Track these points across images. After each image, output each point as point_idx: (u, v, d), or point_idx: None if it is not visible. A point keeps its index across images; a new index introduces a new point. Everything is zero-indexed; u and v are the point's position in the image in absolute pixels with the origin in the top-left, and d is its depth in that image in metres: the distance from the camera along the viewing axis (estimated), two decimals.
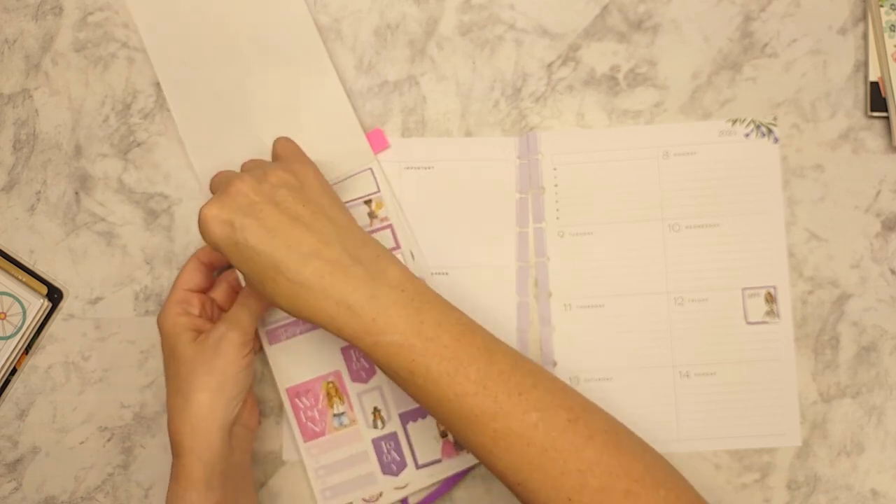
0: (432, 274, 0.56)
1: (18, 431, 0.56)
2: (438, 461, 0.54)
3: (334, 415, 0.54)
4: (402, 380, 0.44)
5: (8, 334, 0.56)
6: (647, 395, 0.55)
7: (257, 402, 0.54)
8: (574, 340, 0.55)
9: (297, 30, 0.55)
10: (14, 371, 0.56)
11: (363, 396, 0.54)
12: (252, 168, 0.49)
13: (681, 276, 0.56)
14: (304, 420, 0.54)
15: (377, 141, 0.57)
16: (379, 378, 0.54)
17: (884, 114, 0.57)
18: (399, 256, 0.55)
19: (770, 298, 0.56)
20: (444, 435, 0.54)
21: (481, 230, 0.56)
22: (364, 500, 0.54)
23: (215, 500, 0.47)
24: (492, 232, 0.56)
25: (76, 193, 0.57)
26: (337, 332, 0.44)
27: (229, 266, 0.54)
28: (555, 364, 0.55)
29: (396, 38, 0.58)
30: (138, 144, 0.57)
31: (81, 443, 0.56)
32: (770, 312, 0.56)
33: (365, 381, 0.54)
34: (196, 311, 0.51)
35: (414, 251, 0.56)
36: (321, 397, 0.54)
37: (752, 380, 0.55)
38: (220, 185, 0.48)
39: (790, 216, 0.56)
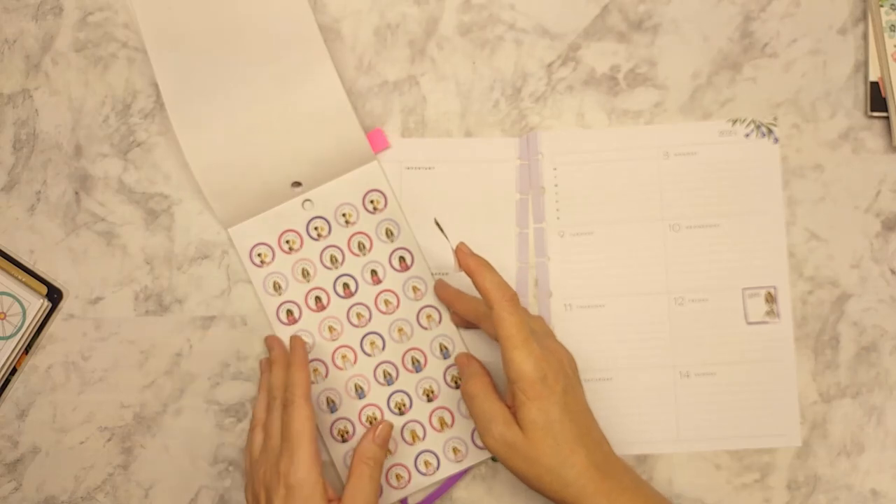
0: (433, 274, 0.56)
1: (18, 431, 0.56)
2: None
3: None
4: None
5: (8, 334, 0.55)
6: (647, 395, 0.55)
7: None
8: (574, 340, 0.55)
9: (297, 30, 0.55)
10: (14, 371, 0.56)
11: None
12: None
13: (681, 276, 0.56)
14: None
15: (377, 141, 0.57)
16: None
17: (884, 114, 0.57)
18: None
19: (770, 298, 0.56)
20: None
21: (482, 231, 0.56)
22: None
23: None
24: (492, 232, 0.56)
25: (76, 193, 0.57)
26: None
27: None
28: None
29: (396, 38, 0.58)
30: (138, 144, 0.57)
31: (81, 443, 0.56)
32: (770, 312, 0.56)
33: None
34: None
35: (414, 251, 0.56)
36: None
37: (752, 380, 0.55)
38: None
39: (790, 216, 0.56)
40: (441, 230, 0.51)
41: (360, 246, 0.56)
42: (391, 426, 0.53)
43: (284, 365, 0.53)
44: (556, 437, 0.47)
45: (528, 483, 0.48)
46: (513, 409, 0.48)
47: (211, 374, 0.56)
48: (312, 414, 0.49)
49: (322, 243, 0.56)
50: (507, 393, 0.50)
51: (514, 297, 0.48)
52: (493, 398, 0.49)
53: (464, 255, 0.49)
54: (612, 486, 0.47)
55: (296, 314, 0.55)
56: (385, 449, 0.52)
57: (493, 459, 0.55)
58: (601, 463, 0.48)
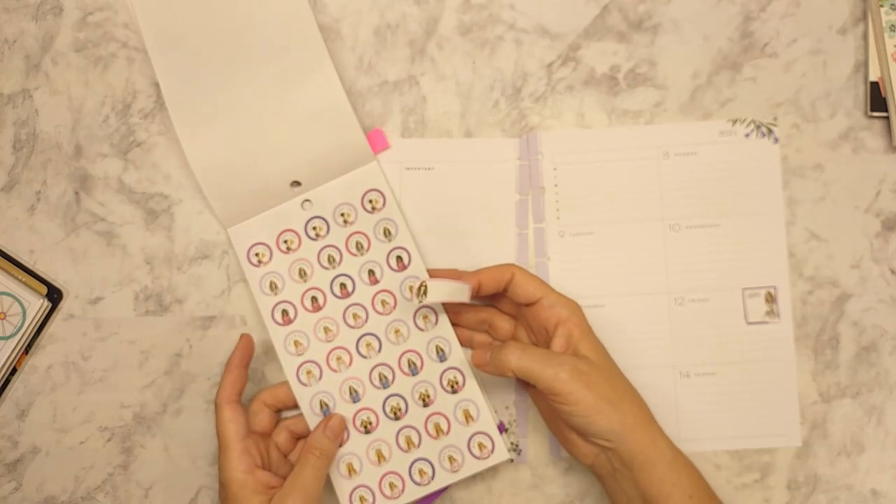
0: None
1: (18, 431, 0.56)
2: None
3: None
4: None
5: (8, 334, 0.56)
6: (647, 395, 0.55)
7: None
8: None
9: (297, 30, 0.55)
10: (14, 371, 0.56)
11: None
12: None
13: (681, 276, 0.56)
14: None
15: (377, 141, 0.57)
16: None
17: (884, 114, 0.57)
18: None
19: (770, 298, 0.56)
20: None
21: (481, 231, 0.56)
22: None
23: None
24: (492, 233, 0.56)
25: (76, 193, 0.57)
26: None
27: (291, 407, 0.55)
28: None
29: (396, 38, 0.58)
30: (138, 144, 0.57)
31: (81, 443, 0.56)
32: (770, 312, 0.56)
33: None
34: (259, 461, 0.51)
35: (412, 251, 0.55)
36: None
37: (752, 380, 0.55)
38: None
39: (790, 216, 0.56)
40: (427, 293, 0.50)
41: (358, 245, 0.56)
42: (344, 420, 0.53)
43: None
44: (613, 362, 0.51)
45: (608, 416, 0.47)
46: (569, 351, 0.50)
47: (211, 374, 0.56)
48: (234, 415, 0.51)
49: (320, 243, 0.56)
50: (550, 344, 0.50)
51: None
52: (538, 347, 0.51)
53: (466, 276, 0.51)
54: None
55: (291, 314, 0.55)
56: (336, 442, 0.52)
57: (511, 461, 0.55)
58: None
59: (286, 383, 0.55)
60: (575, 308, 0.51)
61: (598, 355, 0.50)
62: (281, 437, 0.54)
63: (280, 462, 0.53)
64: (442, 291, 0.50)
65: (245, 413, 0.52)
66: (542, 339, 0.52)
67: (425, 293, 0.50)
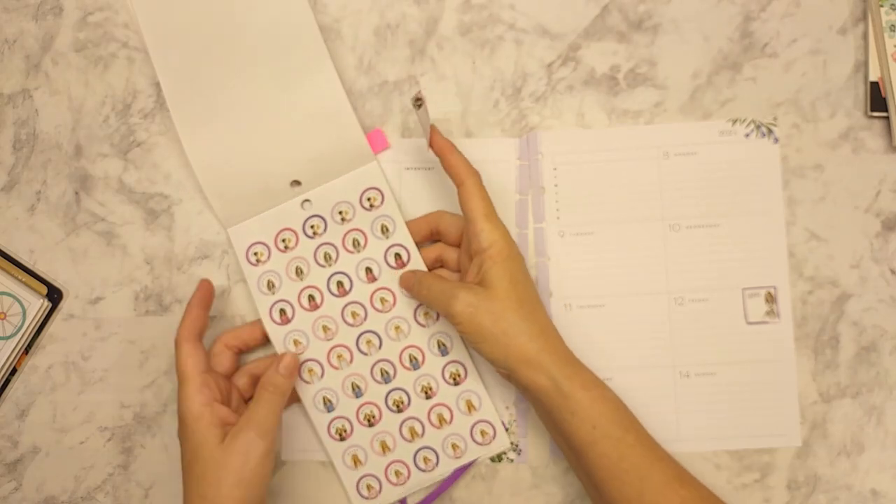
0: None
1: (18, 431, 0.56)
2: None
3: None
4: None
5: (8, 334, 0.56)
6: (647, 395, 0.55)
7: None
8: (574, 341, 0.55)
9: (297, 30, 0.55)
10: (14, 371, 0.56)
11: None
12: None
13: (681, 276, 0.56)
14: None
15: (377, 141, 0.57)
16: None
17: (884, 114, 0.57)
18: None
19: (770, 298, 0.56)
20: None
21: None
22: None
23: None
24: None
25: (76, 193, 0.57)
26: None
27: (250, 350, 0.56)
28: None
29: (396, 38, 0.58)
30: (138, 144, 0.57)
31: (81, 443, 0.56)
32: (770, 312, 0.56)
33: None
34: (219, 396, 0.51)
35: (410, 248, 0.55)
36: None
37: (752, 380, 0.55)
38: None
39: (790, 216, 0.56)
40: (421, 106, 0.48)
41: (355, 243, 0.56)
42: (297, 358, 0.53)
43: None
44: (520, 294, 0.50)
45: (492, 347, 0.49)
46: (476, 279, 0.50)
47: None
48: (193, 350, 0.51)
49: (317, 241, 0.56)
50: (468, 271, 0.51)
51: (480, 176, 0.52)
52: (448, 279, 0.52)
53: (437, 135, 0.52)
54: (569, 352, 0.50)
55: (289, 313, 0.55)
56: (290, 379, 0.52)
57: (493, 460, 0.55)
58: (557, 334, 0.51)
59: (248, 324, 0.55)
60: (496, 239, 0.50)
61: (500, 287, 0.49)
62: (242, 380, 0.54)
63: (241, 405, 0.53)
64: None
65: (205, 352, 0.52)
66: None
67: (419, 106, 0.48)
